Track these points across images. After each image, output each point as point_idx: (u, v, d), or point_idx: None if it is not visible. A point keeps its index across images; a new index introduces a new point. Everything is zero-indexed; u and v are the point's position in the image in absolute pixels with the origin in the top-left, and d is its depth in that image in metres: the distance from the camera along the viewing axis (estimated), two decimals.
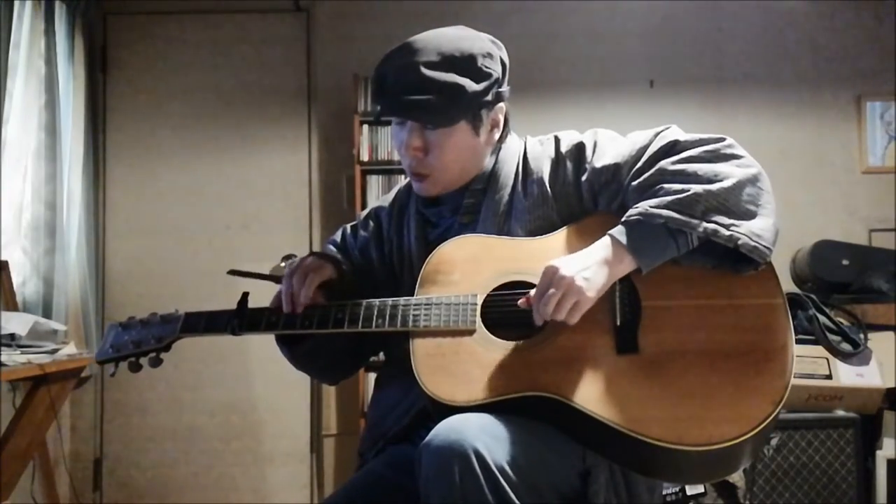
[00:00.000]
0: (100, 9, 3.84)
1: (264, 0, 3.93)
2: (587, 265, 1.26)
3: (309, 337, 1.48)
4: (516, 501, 1.12)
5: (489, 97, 1.42)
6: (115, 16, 3.91)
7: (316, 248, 3.82)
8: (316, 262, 1.45)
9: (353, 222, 1.66)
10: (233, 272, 1.48)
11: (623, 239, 1.28)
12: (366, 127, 3.64)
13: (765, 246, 1.26)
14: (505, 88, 1.46)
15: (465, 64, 1.39)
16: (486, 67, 1.41)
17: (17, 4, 3.07)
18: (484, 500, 1.10)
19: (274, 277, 1.44)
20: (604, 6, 3.93)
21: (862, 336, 2.95)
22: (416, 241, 1.50)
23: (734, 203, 1.27)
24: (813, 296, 3.03)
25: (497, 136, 1.49)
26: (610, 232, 1.30)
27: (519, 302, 1.31)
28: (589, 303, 1.26)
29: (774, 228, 1.29)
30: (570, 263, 1.26)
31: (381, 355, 1.62)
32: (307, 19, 3.92)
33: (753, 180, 1.31)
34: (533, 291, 1.28)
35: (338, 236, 1.65)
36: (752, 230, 1.26)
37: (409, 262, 1.50)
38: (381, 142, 3.62)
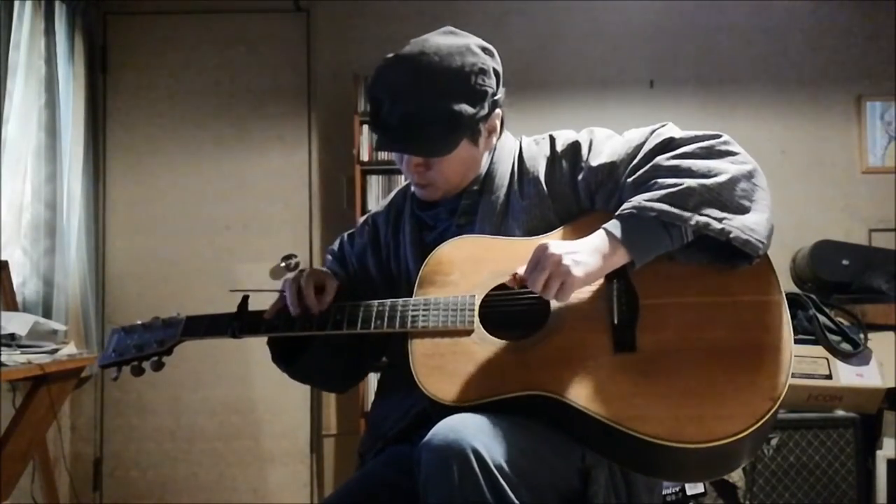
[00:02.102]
0: (100, 9, 3.84)
1: (264, 0, 3.93)
2: (578, 249, 1.27)
3: (304, 352, 1.48)
4: (515, 501, 1.12)
5: (486, 111, 1.42)
6: (115, 16, 3.91)
7: (316, 248, 3.82)
8: (325, 273, 1.46)
9: (351, 231, 1.66)
10: (234, 291, 1.50)
11: (617, 232, 1.28)
12: (366, 127, 3.63)
13: (757, 240, 1.26)
14: (500, 94, 1.46)
15: (460, 87, 1.38)
16: (481, 85, 1.40)
17: (17, 4, 3.07)
18: (483, 500, 1.10)
19: (277, 291, 1.45)
20: (604, 6, 3.93)
21: (862, 336, 2.95)
22: (412, 245, 1.51)
23: (727, 197, 1.28)
24: (813, 296, 3.03)
25: (495, 139, 1.50)
26: (604, 225, 1.30)
27: (507, 281, 1.31)
28: (578, 283, 1.26)
29: (768, 223, 1.29)
30: (560, 244, 1.27)
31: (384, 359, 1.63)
32: (307, 19, 3.92)
33: (748, 176, 1.31)
34: (521, 269, 1.29)
35: (336, 245, 1.66)
36: (745, 224, 1.26)
37: (405, 266, 1.50)
38: None
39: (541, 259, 1.25)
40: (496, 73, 1.44)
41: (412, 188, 1.53)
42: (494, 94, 1.44)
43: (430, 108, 1.36)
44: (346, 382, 1.66)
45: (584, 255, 1.27)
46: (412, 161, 1.43)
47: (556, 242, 1.28)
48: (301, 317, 1.39)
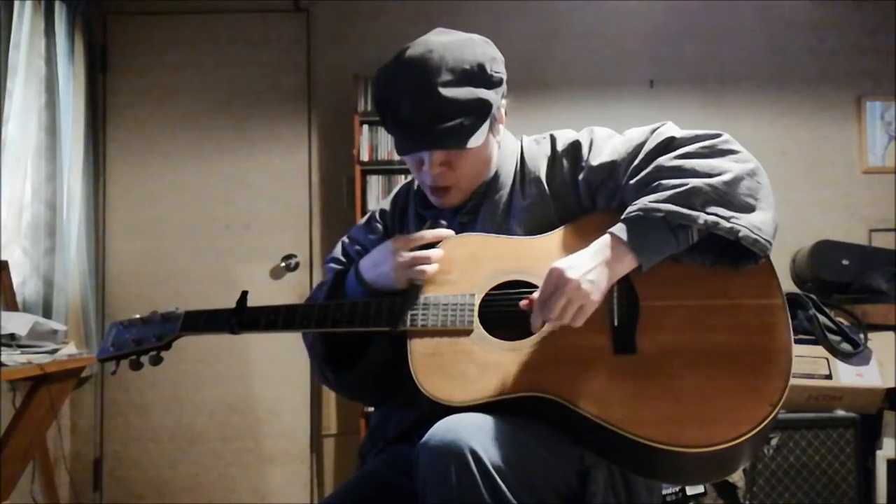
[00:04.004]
0: (100, 9, 3.84)
1: (264, 0, 3.93)
2: (591, 267, 1.25)
3: (357, 360, 1.44)
4: (513, 501, 1.12)
5: (500, 94, 1.43)
6: (115, 16, 3.91)
7: (316, 248, 3.82)
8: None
9: (349, 235, 1.63)
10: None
11: (623, 236, 1.27)
12: (366, 127, 3.64)
13: (765, 239, 1.26)
14: (505, 85, 1.47)
15: (479, 75, 1.37)
16: (496, 73, 1.40)
17: (17, 4, 3.07)
18: (481, 500, 1.10)
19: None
20: (604, 6, 3.93)
21: (862, 336, 2.94)
22: None
23: (733, 196, 1.27)
24: (813, 296, 3.03)
25: (502, 131, 1.49)
26: (610, 230, 1.29)
27: (521, 304, 1.29)
28: (594, 307, 1.25)
29: (773, 222, 1.29)
30: (574, 266, 1.25)
31: None
32: (307, 19, 3.92)
33: (751, 174, 1.30)
34: (536, 294, 1.27)
35: (338, 252, 1.61)
36: (753, 223, 1.26)
37: None
38: (381, 142, 3.62)
39: (558, 284, 1.24)
40: (502, 62, 1.45)
41: (429, 196, 1.48)
42: (504, 84, 1.44)
43: (456, 99, 1.33)
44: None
45: (597, 272, 1.25)
46: (435, 163, 1.39)
47: (569, 264, 1.25)
48: (299, 314, 1.38)
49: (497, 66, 1.41)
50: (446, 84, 1.33)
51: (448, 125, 1.33)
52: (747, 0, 3.93)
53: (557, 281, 1.24)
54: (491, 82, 1.38)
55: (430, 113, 1.34)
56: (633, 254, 1.27)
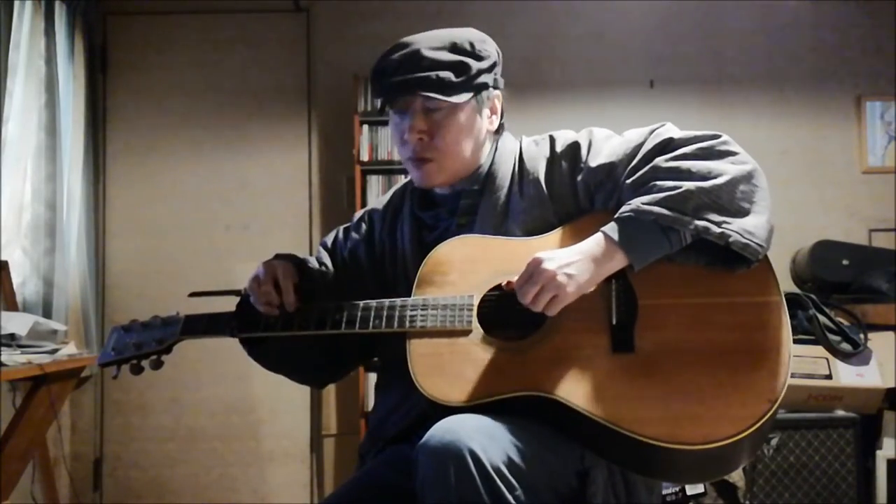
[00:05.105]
0: (100, 9, 3.85)
1: (264, 0, 3.93)
2: (573, 260, 1.27)
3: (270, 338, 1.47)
4: (512, 502, 1.12)
5: (491, 75, 1.46)
6: (115, 16, 3.91)
7: (316, 248, 3.82)
8: (283, 266, 1.46)
9: (347, 224, 1.66)
10: (193, 294, 1.50)
11: (615, 235, 1.28)
12: (366, 127, 3.64)
13: (756, 243, 1.26)
14: (500, 78, 1.49)
15: (465, 47, 1.42)
16: (485, 50, 1.45)
17: (17, 4, 3.07)
18: (480, 501, 1.10)
19: (235, 292, 1.45)
20: (604, 6, 3.93)
21: (862, 336, 2.94)
22: (410, 245, 1.50)
23: (727, 200, 1.27)
24: (813, 296, 3.03)
25: (496, 124, 1.51)
26: (602, 229, 1.30)
27: (503, 284, 1.32)
28: (568, 298, 1.26)
29: (768, 225, 1.29)
30: (554, 257, 1.27)
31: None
32: (307, 19, 3.92)
33: (748, 177, 1.30)
34: (516, 277, 1.29)
35: (329, 238, 1.65)
36: (745, 227, 1.26)
37: (403, 266, 1.50)
38: (381, 142, 3.62)
39: (534, 273, 1.26)
40: (497, 52, 1.49)
41: (410, 174, 1.50)
42: (495, 67, 1.47)
43: (436, 57, 1.39)
44: (321, 377, 1.66)
45: (578, 266, 1.26)
46: (416, 127, 1.42)
47: (550, 255, 1.27)
48: (298, 315, 1.39)
49: (486, 46, 1.45)
50: (430, 47, 1.40)
51: (424, 74, 1.39)
52: (747, 0, 3.93)
53: (533, 269, 1.26)
54: (477, 56, 1.43)
55: (410, 67, 1.40)
56: (623, 252, 1.28)
